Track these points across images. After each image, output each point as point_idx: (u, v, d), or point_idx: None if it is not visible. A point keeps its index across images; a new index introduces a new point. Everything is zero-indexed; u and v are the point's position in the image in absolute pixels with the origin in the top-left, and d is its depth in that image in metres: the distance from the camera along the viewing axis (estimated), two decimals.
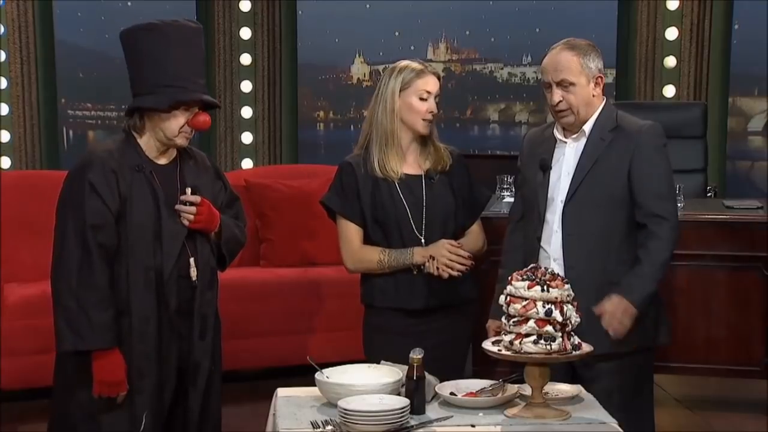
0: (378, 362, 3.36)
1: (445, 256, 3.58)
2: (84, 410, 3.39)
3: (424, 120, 3.67)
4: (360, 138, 3.78)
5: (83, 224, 3.30)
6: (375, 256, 3.67)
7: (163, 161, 3.47)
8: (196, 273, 3.44)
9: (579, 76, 3.47)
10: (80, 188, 3.33)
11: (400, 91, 3.67)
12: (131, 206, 3.36)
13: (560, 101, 3.48)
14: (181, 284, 3.42)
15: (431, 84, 3.68)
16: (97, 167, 3.34)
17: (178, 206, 3.42)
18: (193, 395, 3.49)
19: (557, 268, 3.44)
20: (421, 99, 3.66)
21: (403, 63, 3.72)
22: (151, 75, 3.35)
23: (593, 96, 3.51)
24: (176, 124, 3.39)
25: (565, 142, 3.57)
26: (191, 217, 3.43)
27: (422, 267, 3.63)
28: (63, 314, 3.31)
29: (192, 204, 3.43)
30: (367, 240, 3.72)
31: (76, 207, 3.33)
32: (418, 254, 3.63)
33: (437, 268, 3.58)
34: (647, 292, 3.44)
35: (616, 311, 3.37)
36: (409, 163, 3.73)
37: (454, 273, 3.58)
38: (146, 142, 3.43)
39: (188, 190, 3.46)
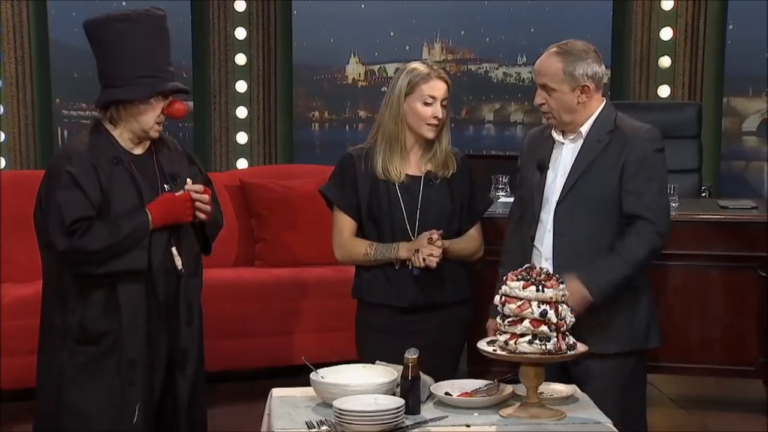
0: (370, 358, 3.37)
1: (424, 255, 3.58)
2: (73, 408, 3.37)
3: (428, 125, 3.66)
4: (370, 134, 3.78)
5: (62, 219, 3.28)
6: (362, 249, 3.69)
7: (138, 151, 3.45)
8: (181, 262, 3.43)
9: (561, 84, 3.47)
10: (59, 181, 3.31)
11: (405, 94, 3.66)
12: (113, 200, 3.34)
13: (542, 103, 3.51)
14: (168, 274, 3.42)
15: (437, 88, 3.65)
16: (76, 161, 3.33)
17: (198, 204, 3.42)
18: (182, 383, 3.49)
19: (550, 267, 3.44)
20: (426, 104, 3.65)
21: (412, 65, 3.71)
22: (128, 66, 3.33)
23: (578, 103, 3.49)
24: (153, 114, 3.38)
25: (563, 143, 3.57)
26: (209, 208, 3.44)
27: (407, 262, 3.63)
28: (111, 258, 3.30)
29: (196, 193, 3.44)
30: (360, 234, 3.73)
31: (55, 200, 3.30)
32: (402, 249, 3.64)
33: (423, 260, 3.58)
34: (611, 285, 3.40)
35: (573, 297, 3.25)
36: (411, 164, 3.73)
37: (433, 264, 3.58)
38: (120, 134, 3.41)
39: (189, 181, 3.46)
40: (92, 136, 3.41)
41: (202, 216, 3.45)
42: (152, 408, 3.43)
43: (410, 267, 3.64)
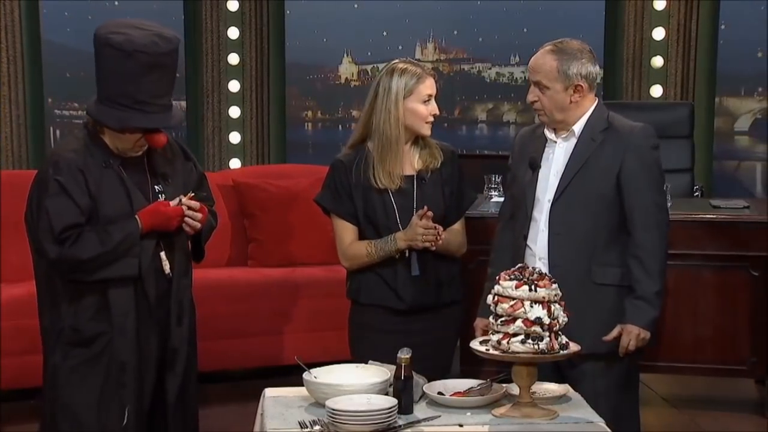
0: (363, 359, 3.37)
1: (420, 235, 3.58)
2: (67, 409, 3.38)
3: (427, 123, 3.70)
4: (351, 139, 3.78)
5: (51, 228, 3.27)
6: (363, 251, 3.69)
7: (131, 152, 3.44)
8: (169, 266, 3.44)
9: (554, 82, 3.48)
10: (47, 189, 3.30)
11: (404, 97, 3.67)
12: (102, 204, 3.34)
13: (535, 101, 3.52)
14: (157, 276, 3.42)
15: (431, 86, 3.70)
16: (64, 167, 3.31)
17: (187, 219, 3.42)
18: (170, 381, 3.49)
19: (543, 266, 3.45)
20: (425, 102, 3.68)
21: (400, 66, 3.70)
22: (112, 89, 3.29)
23: (570, 102, 3.51)
24: (132, 140, 3.37)
25: (555, 142, 3.58)
26: (198, 225, 3.44)
27: (405, 254, 3.64)
28: (103, 266, 3.31)
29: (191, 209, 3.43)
30: (361, 236, 3.73)
31: (45, 207, 3.29)
32: (400, 240, 3.64)
33: (423, 241, 3.59)
34: (657, 311, 3.48)
35: (636, 341, 3.46)
36: (405, 164, 3.73)
37: (433, 247, 3.60)
38: (109, 139, 3.40)
39: (191, 195, 3.45)
40: (84, 140, 3.39)
41: (187, 230, 3.45)
42: (143, 410, 3.43)
43: (409, 263, 3.64)
